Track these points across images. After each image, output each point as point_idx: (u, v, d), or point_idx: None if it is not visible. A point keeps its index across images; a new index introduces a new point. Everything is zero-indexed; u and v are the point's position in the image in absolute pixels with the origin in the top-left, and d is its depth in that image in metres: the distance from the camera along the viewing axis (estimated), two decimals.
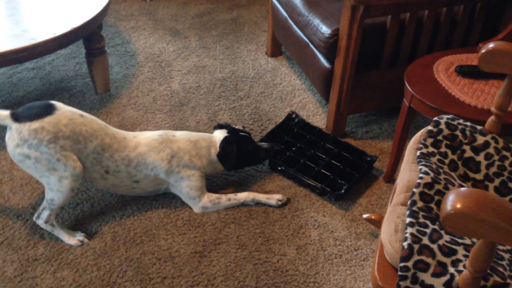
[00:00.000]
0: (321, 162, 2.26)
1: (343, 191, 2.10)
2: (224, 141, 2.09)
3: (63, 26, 2.33)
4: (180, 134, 2.09)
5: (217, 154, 2.07)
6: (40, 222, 1.92)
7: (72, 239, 1.92)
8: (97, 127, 1.90)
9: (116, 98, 2.72)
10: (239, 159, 2.11)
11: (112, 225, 2.00)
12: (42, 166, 1.80)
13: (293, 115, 2.52)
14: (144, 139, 2.01)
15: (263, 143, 2.23)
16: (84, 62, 2.91)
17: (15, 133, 1.78)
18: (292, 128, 2.46)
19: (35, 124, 1.77)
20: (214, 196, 2.07)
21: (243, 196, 2.10)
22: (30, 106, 1.85)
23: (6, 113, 1.80)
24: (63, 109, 1.86)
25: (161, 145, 2.00)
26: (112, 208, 2.07)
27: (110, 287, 1.77)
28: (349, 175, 2.19)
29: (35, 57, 2.30)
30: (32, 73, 2.91)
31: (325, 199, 2.14)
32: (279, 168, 2.25)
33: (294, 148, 2.33)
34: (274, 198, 2.10)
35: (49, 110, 1.82)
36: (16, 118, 1.79)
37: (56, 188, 1.85)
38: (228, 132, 2.14)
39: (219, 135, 2.13)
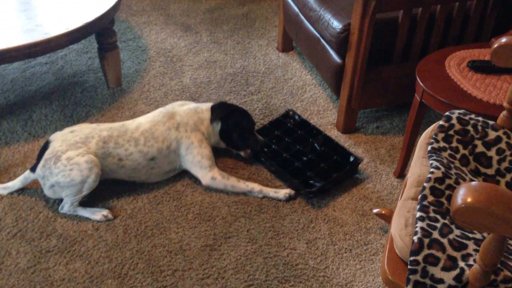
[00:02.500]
0: (303, 159, 2.25)
1: (313, 189, 2.08)
2: (220, 102, 2.28)
3: (76, 21, 2.35)
4: (179, 105, 2.24)
5: (211, 106, 2.22)
6: (65, 210, 2.02)
7: (97, 215, 2.00)
8: (89, 130, 2.06)
9: (128, 93, 2.74)
10: (231, 124, 2.19)
11: (124, 218, 2.02)
12: (65, 180, 1.95)
13: (291, 113, 2.51)
14: (144, 118, 2.16)
15: (260, 136, 2.29)
16: (96, 57, 2.93)
17: (38, 178, 2.03)
18: (286, 123, 2.46)
19: (41, 163, 2.00)
20: (226, 173, 2.14)
21: (253, 185, 2.13)
22: (37, 155, 2.07)
23: (27, 172, 2.08)
24: (55, 137, 2.05)
25: (164, 118, 2.13)
26: (124, 201, 2.09)
27: (122, 279, 1.79)
28: (328, 174, 2.16)
29: (48, 52, 2.32)
30: (45, 67, 2.94)
31: (300, 195, 2.14)
32: (262, 159, 2.27)
33: (281, 143, 2.33)
34: (281, 192, 2.11)
35: (46, 146, 2.03)
36: (33, 169, 2.05)
37: (81, 188, 1.98)
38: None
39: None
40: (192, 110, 2.19)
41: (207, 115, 2.21)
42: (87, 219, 2.01)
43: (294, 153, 2.27)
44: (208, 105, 2.26)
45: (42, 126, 2.49)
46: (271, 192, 2.12)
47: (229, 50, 3.14)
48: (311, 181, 2.15)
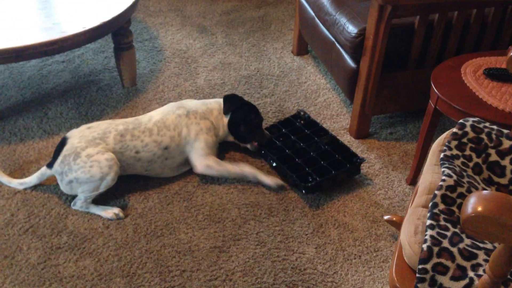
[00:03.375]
0: (306, 156, 2.25)
1: (309, 184, 2.08)
2: (233, 94, 2.35)
3: (93, 20, 2.38)
4: (188, 100, 2.34)
5: (223, 97, 2.30)
6: (77, 206, 2.04)
7: (108, 213, 2.01)
8: (105, 125, 2.11)
9: (142, 93, 2.76)
10: (239, 116, 2.26)
11: (134, 217, 2.03)
12: (85, 176, 1.97)
13: (302, 113, 2.51)
14: (155, 111, 2.24)
15: (266, 132, 2.35)
16: (112, 56, 2.96)
17: (55, 174, 2.05)
18: (295, 123, 2.46)
19: (59, 159, 2.02)
20: (219, 160, 2.21)
21: (246, 168, 2.18)
22: (54, 151, 2.09)
23: (43, 168, 2.09)
24: (72, 134, 2.08)
25: (174, 108, 2.22)
26: (135, 201, 2.11)
27: (130, 278, 1.80)
28: (328, 172, 2.16)
29: (65, 50, 2.35)
30: (62, 66, 2.97)
31: (296, 191, 2.15)
32: (262, 152, 2.31)
33: (287, 140, 2.35)
34: (273, 181, 2.16)
35: (63, 142, 2.06)
36: (49, 166, 2.07)
37: (99, 185, 2.00)
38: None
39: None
40: (200, 102, 2.30)
41: (215, 106, 2.29)
42: (98, 217, 2.02)
43: (297, 150, 2.28)
44: (216, 99, 2.34)
45: (57, 123, 2.52)
46: (265, 179, 2.16)
47: (244, 53, 3.15)
48: (310, 178, 2.15)
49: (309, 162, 2.21)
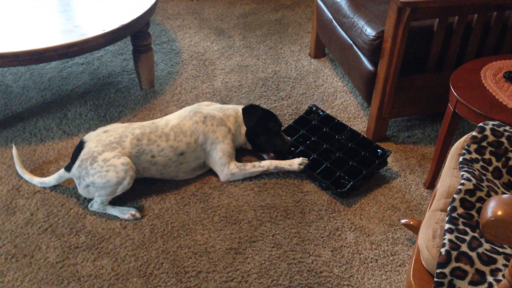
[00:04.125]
0: (332, 156, 2.25)
1: (344, 189, 2.10)
2: (251, 105, 2.33)
3: (112, 23, 2.40)
4: (205, 104, 2.33)
5: (242, 108, 2.29)
6: (94, 208, 2.06)
7: (125, 214, 2.03)
8: (122, 129, 2.11)
9: (160, 95, 2.78)
10: (258, 127, 2.26)
11: (151, 217, 2.05)
12: (101, 181, 1.99)
13: (314, 108, 2.51)
14: (172, 115, 2.24)
15: (287, 137, 2.33)
16: (131, 58, 2.99)
17: (73, 177, 2.08)
18: (311, 120, 2.46)
19: (77, 163, 2.04)
20: (240, 163, 2.22)
21: (266, 163, 2.21)
22: (72, 155, 2.12)
23: (62, 171, 2.11)
24: (89, 137, 2.10)
25: (191, 113, 2.20)
26: (152, 202, 2.12)
27: (147, 278, 1.81)
28: (358, 171, 2.16)
29: (85, 52, 2.38)
30: (81, 68, 3.01)
31: (332, 195, 2.15)
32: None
33: (308, 142, 2.34)
34: (295, 164, 2.19)
35: (81, 146, 2.07)
36: (67, 169, 2.09)
37: (115, 189, 2.02)
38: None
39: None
40: (218, 107, 2.30)
41: (232, 113, 2.28)
42: (116, 217, 2.04)
43: (322, 152, 2.28)
44: (234, 106, 2.33)
45: (76, 124, 2.55)
46: (285, 165, 2.21)
47: (261, 55, 3.15)
48: (342, 180, 2.15)
49: (337, 163, 2.22)
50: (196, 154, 2.17)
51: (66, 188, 2.16)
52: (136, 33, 2.62)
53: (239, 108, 2.32)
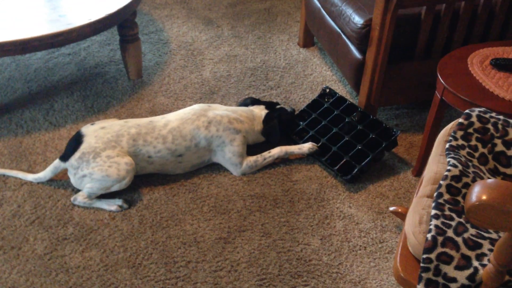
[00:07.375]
0: (341, 141, 2.26)
1: (348, 177, 2.12)
2: (266, 119, 2.28)
3: (98, 12, 2.38)
4: (216, 105, 2.26)
5: (261, 133, 2.28)
6: (78, 201, 2.03)
7: (112, 205, 2.02)
8: (118, 127, 2.08)
9: (148, 85, 2.76)
10: (281, 131, 2.31)
11: (140, 208, 2.04)
12: (100, 174, 1.97)
13: (327, 90, 2.51)
14: (174, 115, 2.18)
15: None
16: (118, 49, 2.96)
17: (69, 167, 2.04)
18: (323, 103, 2.46)
19: (77, 154, 2.01)
20: (251, 160, 2.19)
21: (276, 151, 2.22)
22: (67, 145, 2.10)
23: (56, 161, 2.07)
24: (87, 131, 2.07)
25: (194, 116, 2.14)
26: (141, 192, 2.11)
27: (136, 269, 1.81)
28: (365, 155, 2.18)
29: (71, 42, 2.35)
30: (68, 58, 2.98)
31: (339, 180, 2.18)
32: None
33: (318, 126, 2.35)
34: (305, 147, 2.22)
35: (79, 139, 2.05)
36: (63, 159, 2.05)
37: (111, 186, 2.01)
38: (266, 108, 2.36)
39: (259, 112, 2.32)
40: (230, 109, 2.23)
41: (242, 113, 2.24)
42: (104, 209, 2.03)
43: (331, 136, 2.29)
44: (248, 108, 2.32)
45: (63, 115, 2.52)
46: (295, 149, 2.24)
47: (250, 45, 3.14)
48: (353, 163, 2.17)
49: (345, 147, 2.23)
50: (198, 154, 2.15)
51: (54, 180, 2.15)
52: (123, 22, 2.59)
53: (251, 110, 2.30)
